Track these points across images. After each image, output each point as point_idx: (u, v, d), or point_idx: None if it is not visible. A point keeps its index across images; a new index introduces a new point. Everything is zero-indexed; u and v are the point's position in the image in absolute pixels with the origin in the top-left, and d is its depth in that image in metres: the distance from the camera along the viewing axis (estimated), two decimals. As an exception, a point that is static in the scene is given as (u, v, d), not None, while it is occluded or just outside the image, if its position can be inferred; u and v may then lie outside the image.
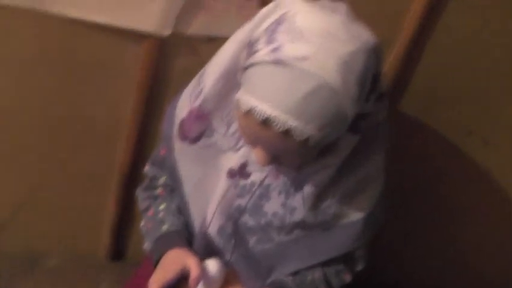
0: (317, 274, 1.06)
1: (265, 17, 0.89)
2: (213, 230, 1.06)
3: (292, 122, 0.78)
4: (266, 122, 0.79)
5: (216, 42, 1.15)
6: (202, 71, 1.01)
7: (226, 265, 1.05)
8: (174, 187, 1.10)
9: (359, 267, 1.10)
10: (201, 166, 1.04)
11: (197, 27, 1.13)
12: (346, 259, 1.07)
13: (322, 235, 1.03)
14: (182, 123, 1.03)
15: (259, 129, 0.81)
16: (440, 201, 1.60)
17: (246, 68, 0.84)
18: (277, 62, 0.78)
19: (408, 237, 1.62)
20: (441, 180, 1.56)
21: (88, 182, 1.34)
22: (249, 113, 0.81)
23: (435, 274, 1.71)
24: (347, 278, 1.09)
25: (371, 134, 0.97)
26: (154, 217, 1.11)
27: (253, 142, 0.89)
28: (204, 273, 0.99)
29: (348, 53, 0.79)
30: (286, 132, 0.79)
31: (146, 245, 1.10)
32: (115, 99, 1.23)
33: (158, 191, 1.14)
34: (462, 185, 1.57)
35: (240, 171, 1.02)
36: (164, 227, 1.08)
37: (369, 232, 1.05)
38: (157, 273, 0.99)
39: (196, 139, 1.02)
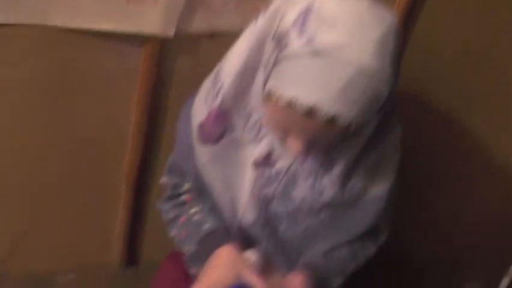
0: (345, 250, 1.10)
1: (278, 10, 0.90)
2: (246, 222, 1.07)
3: (336, 110, 0.79)
4: (309, 113, 0.80)
5: (217, 38, 1.16)
6: (215, 71, 1.00)
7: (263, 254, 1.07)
8: (201, 190, 1.09)
9: (383, 238, 1.14)
10: (225, 164, 1.04)
11: (198, 24, 1.13)
12: (371, 232, 1.10)
13: (349, 212, 1.06)
14: (202, 127, 1.01)
15: (301, 120, 0.82)
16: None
17: (276, 62, 0.84)
18: (314, 53, 0.79)
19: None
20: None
21: (96, 193, 1.33)
22: (289, 105, 0.81)
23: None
24: (372, 250, 1.13)
25: (388, 112, 1.00)
26: (188, 222, 1.09)
27: (287, 133, 0.89)
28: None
29: (380, 37, 0.80)
30: (331, 120, 0.80)
31: (188, 249, 1.08)
32: (119, 107, 1.22)
33: (184, 197, 1.13)
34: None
35: (265, 161, 1.02)
36: (206, 226, 1.07)
37: (391, 203, 1.08)
38: (211, 278, 1.00)
39: (218, 139, 1.01)
